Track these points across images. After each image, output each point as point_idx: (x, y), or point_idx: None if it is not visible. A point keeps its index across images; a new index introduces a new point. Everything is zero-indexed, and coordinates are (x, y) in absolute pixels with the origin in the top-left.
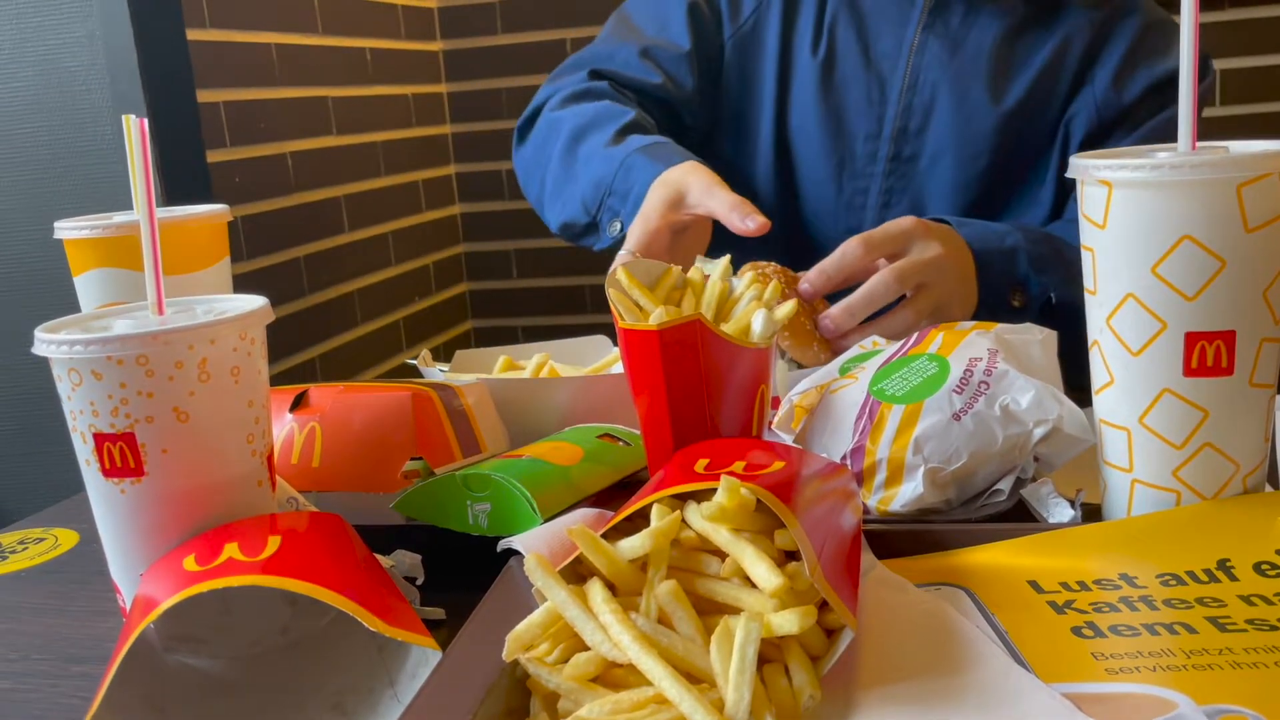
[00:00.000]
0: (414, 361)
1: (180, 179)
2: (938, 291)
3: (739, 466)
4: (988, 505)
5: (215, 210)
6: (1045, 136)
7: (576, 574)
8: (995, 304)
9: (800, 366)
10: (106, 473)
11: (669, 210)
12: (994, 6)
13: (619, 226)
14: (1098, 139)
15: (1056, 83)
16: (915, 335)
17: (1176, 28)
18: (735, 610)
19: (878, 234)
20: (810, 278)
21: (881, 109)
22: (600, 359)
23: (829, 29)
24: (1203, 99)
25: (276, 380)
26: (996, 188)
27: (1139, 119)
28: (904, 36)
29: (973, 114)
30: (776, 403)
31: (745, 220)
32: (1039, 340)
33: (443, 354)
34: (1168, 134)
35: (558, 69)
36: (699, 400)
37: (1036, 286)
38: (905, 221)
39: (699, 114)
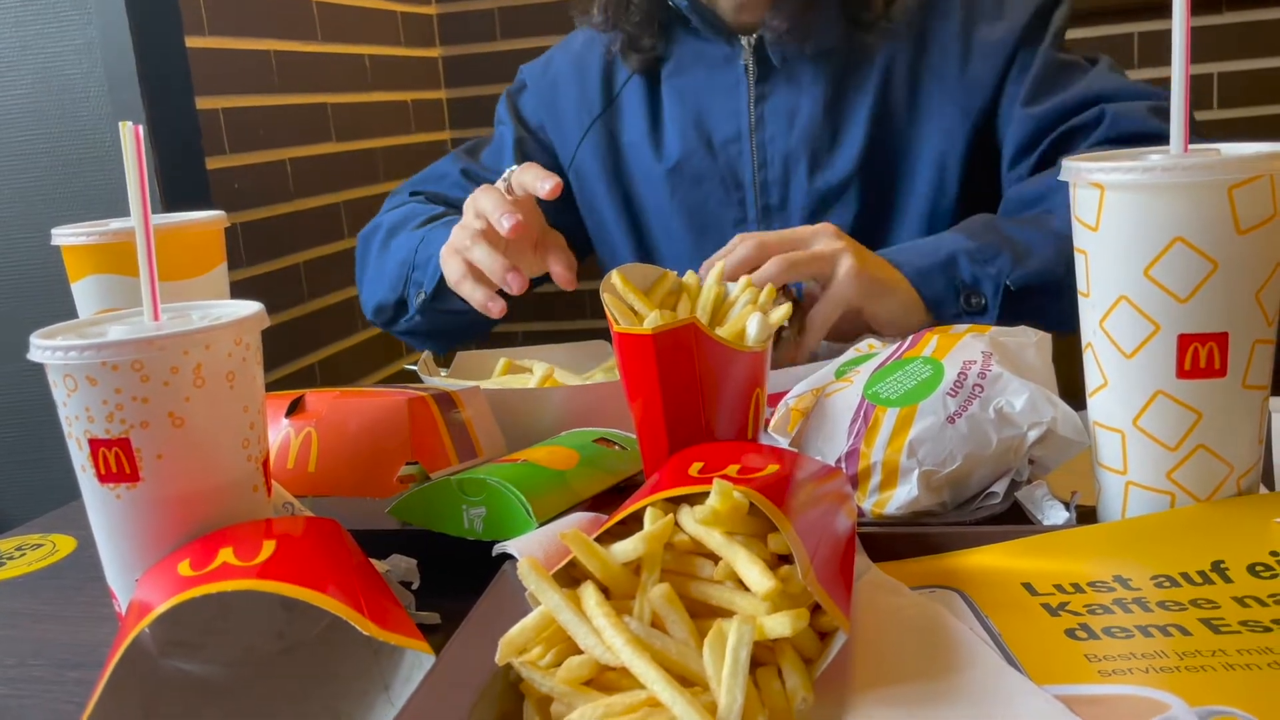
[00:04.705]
0: (413, 367)
1: (179, 186)
2: (845, 291)
3: (733, 470)
4: (982, 508)
5: (211, 217)
6: (910, 159)
7: (570, 578)
8: (954, 312)
9: None
10: (102, 478)
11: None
12: (813, 64)
13: (423, 297)
14: (979, 126)
15: (890, 108)
16: (910, 339)
17: None
18: (728, 613)
19: (773, 235)
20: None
21: (740, 193)
22: (599, 364)
23: (665, 131)
24: (1060, 31)
25: (277, 386)
26: (879, 225)
27: (1018, 83)
28: (740, 118)
29: (827, 170)
30: (775, 400)
31: (542, 184)
32: (1033, 343)
33: (442, 359)
34: (1059, 77)
35: (393, 192)
36: (694, 404)
37: (989, 282)
38: (819, 226)
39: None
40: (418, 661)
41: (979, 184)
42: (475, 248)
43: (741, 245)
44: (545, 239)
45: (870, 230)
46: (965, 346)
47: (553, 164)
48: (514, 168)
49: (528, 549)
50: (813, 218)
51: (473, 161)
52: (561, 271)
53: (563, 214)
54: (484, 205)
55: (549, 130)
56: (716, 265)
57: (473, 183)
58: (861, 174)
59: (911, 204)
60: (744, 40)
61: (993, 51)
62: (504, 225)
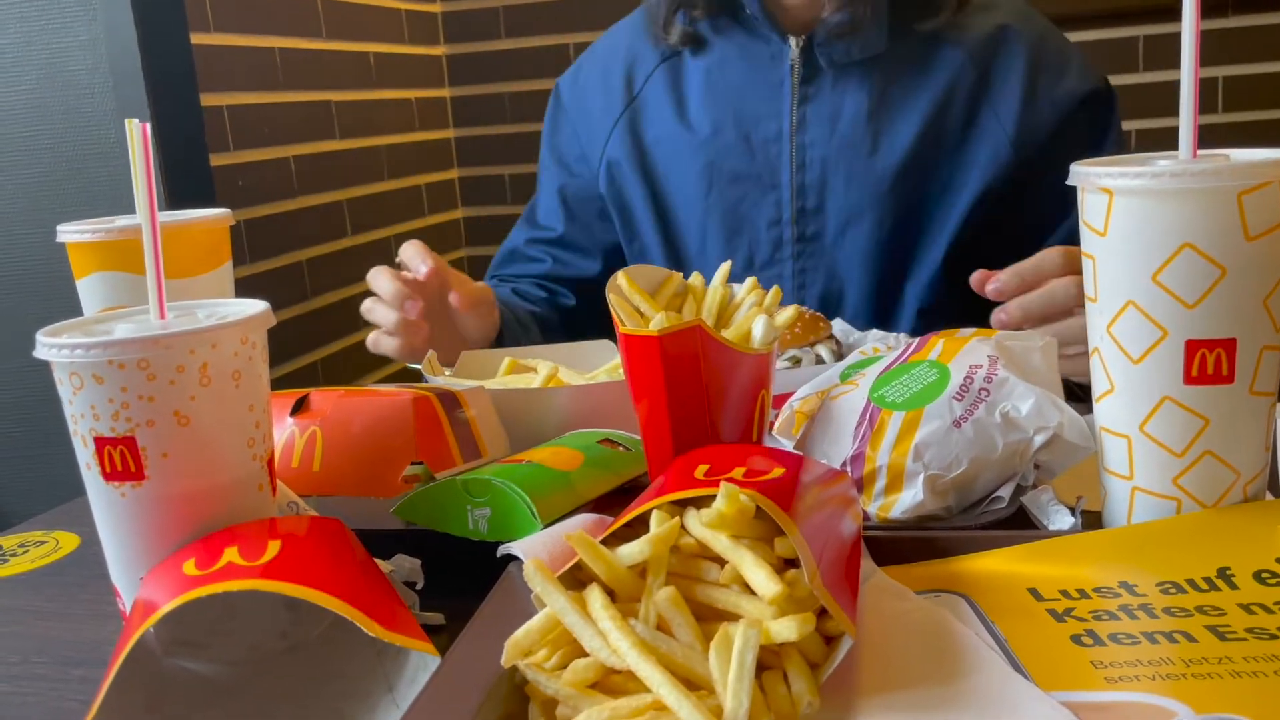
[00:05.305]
0: (417, 366)
1: (183, 182)
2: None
3: (739, 473)
4: (988, 512)
5: (217, 214)
6: (950, 181)
7: (576, 580)
8: None
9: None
10: (107, 476)
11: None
12: (860, 68)
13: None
14: (1022, 169)
15: (943, 128)
16: (916, 341)
17: (1066, 41)
18: (734, 617)
19: (1077, 250)
20: (1004, 277)
21: (776, 194)
22: (604, 364)
23: (700, 126)
24: (1118, 133)
25: (278, 384)
26: (909, 243)
27: (1068, 143)
28: (782, 118)
29: (864, 180)
30: (779, 402)
31: (420, 266)
32: (1039, 347)
33: (446, 359)
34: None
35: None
36: (699, 406)
37: None
38: (1069, 280)
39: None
40: (422, 663)
41: (1005, 209)
42: (374, 310)
43: (1047, 257)
44: (460, 284)
45: (900, 235)
46: (971, 350)
47: (589, 188)
48: (404, 246)
49: (532, 550)
50: (847, 222)
51: (533, 228)
52: (458, 300)
53: (602, 231)
54: (379, 291)
55: (583, 140)
56: (722, 266)
57: (537, 246)
58: (900, 183)
59: (939, 216)
60: (793, 40)
61: (1050, 112)
62: (408, 311)
